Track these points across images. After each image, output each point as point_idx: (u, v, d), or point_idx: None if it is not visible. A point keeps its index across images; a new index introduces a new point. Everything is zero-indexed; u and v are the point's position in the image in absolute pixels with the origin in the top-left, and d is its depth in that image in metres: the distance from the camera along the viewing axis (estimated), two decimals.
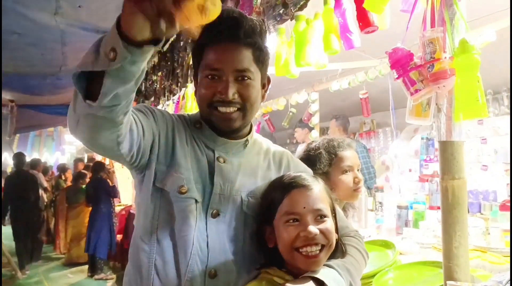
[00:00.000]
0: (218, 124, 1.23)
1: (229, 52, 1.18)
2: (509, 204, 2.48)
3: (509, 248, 2.00)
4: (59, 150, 15.97)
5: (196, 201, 1.18)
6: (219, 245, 1.19)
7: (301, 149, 2.24)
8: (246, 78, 1.19)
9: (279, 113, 5.12)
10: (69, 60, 4.02)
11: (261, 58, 1.23)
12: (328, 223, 1.14)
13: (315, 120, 4.49)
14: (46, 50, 3.71)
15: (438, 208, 2.93)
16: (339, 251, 1.22)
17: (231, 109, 1.19)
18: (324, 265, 1.14)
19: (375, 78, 3.65)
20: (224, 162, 1.24)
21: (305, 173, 1.26)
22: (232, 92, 1.17)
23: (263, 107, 5.42)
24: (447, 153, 1.44)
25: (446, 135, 1.44)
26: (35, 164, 8.33)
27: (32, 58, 3.87)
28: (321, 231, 1.12)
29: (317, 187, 1.18)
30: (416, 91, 1.45)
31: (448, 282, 1.34)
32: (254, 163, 1.31)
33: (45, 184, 8.06)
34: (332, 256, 1.19)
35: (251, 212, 1.23)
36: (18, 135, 12.76)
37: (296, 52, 2.30)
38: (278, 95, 4.95)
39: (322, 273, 1.09)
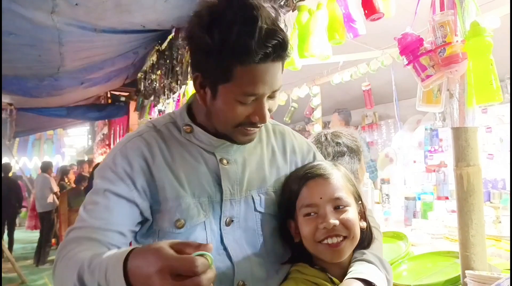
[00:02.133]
0: (238, 139, 1.12)
1: (271, 73, 1.01)
2: None
3: None
4: (59, 153, 15.97)
5: (205, 222, 1.09)
6: (241, 253, 1.11)
7: None
8: (275, 93, 1.06)
9: (280, 109, 5.07)
10: (66, 61, 3.97)
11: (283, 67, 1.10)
12: (350, 213, 1.08)
13: (317, 114, 4.46)
14: (43, 51, 3.66)
15: (446, 198, 2.91)
16: (367, 238, 1.17)
17: (258, 128, 1.11)
18: (362, 260, 1.09)
19: (377, 69, 3.62)
20: (228, 163, 1.14)
21: (324, 161, 1.20)
22: (267, 114, 1.06)
23: None
24: (461, 140, 1.40)
25: (459, 121, 1.40)
26: (47, 167, 8.30)
27: (29, 59, 3.82)
28: (341, 222, 1.06)
29: (336, 175, 1.11)
30: (427, 77, 1.41)
31: (466, 271, 1.31)
32: (258, 154, 1.21)
33: (56, 188, 8.01)
34: (360, 243, 1.14)
35: (265, 209, 1.16)
36: (18, 139, 12.78)
37: (299, 44, 2.25)
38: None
39: (366, 273, 1.04)
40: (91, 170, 7.16)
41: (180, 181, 1.08)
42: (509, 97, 3.85)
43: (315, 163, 1.18)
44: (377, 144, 5.16)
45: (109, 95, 7.33)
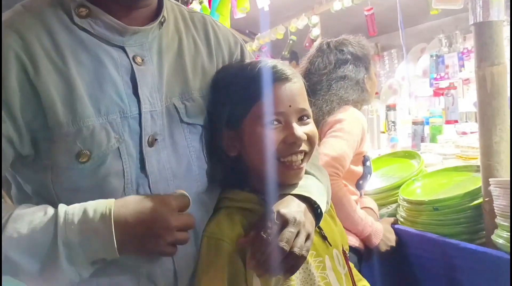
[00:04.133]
0: None
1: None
2: None
3: None
4: None
5: (119, 148, 0.80)
6: (166, 179, 0.86)
7: None
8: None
9: (278, 42, 4.86)
10: None
11: None
12: (312, 125, 0.94)
13: (316, 31, 4.26)
14: None
15: (456, 121, 2.79)
16: None
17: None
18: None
19: None
20: (143, 62, 0.84)
21: (278, 61, 0.97)
22: None
23: (260, 38, 5.16)
24: (485, 36, 1.25)
25: (483, 15, 1.24)
26: None
27: None
28: (307, 136, 0.91)
29: (299, 81, 0.94)
30: None
31: (491, 179, 1.20)
32: (175, 49, 0.92)
33: None
34: None
35: (193, 119, 0.91)
36: None
37: None
38: (276, 24, 4.67)
39: (306, 188, 0.91)
40: None
41: (76, 95, 0.77)
42: None
43: (272, 61, 0.93)
44: (380, 76, 4.97)
45: None
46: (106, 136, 0.79)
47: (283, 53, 4.87)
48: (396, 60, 4.92)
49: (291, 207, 0.85)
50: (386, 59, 5.06)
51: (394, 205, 1.63)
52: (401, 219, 1.52)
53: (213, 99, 0.95)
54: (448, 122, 2.79)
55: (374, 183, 1.75)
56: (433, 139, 2.54)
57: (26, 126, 0.76)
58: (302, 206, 0.87)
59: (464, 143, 2.05)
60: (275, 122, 0.88)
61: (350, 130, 1.61)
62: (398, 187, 1.60)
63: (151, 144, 0.84)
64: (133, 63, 0.83)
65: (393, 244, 1.50)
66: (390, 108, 2.94)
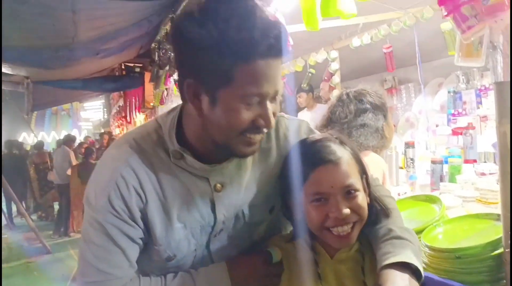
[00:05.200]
0: (240, 151, 1.02)
1: (273, 70, 0.93)
2: None
3: None
4: (76, 127, 16.11)
5: (196, 249, 1.12)
6: (225, 252, 1.16)
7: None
8: (277, 94, 0.99)
9: (297, 75, 4.98)
10: (80, 30, 3.91)
11: None
12: (359, 198, 1.04)
13: (336, 79, 4.35)
14: (57, 20, 3.60)
15: (474, 161, 2.82)
16: (381, 213, 1.13)
17: (262, 135, 1.03)
18: (394, 238, 1.04)
19: (399, 30, 3.48)
20: (222, 188, 1.08)
21: (329, 139, 1.09)
22: (273, 119, 0.99)
23: None
24: (504, 94, 1.32)
25: (504, 75, 1.32)
26: (69, 140, 8.40)
27: (43, 29, 3.76)
28: (352, 209, 1.02)
29: (345, 158, 1.04)
30: (469, 28, 1.31)
31: None
32: (256, 163, 1.16)
33: (74, 161, 8.09)
34: (376, 219, 1.11)
35: (255, 218, 1.16)
36: (35, 113, 12.88)
37: (322, 1, 2.14)
38: (295, 56, 4.79)
39: (407, 255, 1.00)
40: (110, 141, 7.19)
41: (170, 217, 1.05)
42: None
43: (323, 143, 1.07)
44: (397, 109, 5.04)
45: (123, 67, 7.28)
46: (187, 244, 1.08)
47: (302, 85, 4.98)
48: (413, 93, 4.99)
49: (400, 283, 0.94)
50: (403, 93, 5.14)
51: None
52: (424, 266, 1.56)
53: (284, 176, 1.12)
54: (466, 161, 2.83)
55: None
56: (452, 179, 2.58)
57: (144, 231, 1.05)
58: (406, 277, 0.96)
59: (484, 186, 2.10)
60: (322, 199, 1.02)
61: (370, 174, 1.68)
62: (420, 232, 1.64)
63: (218, 234, 1.11)
64: (214, 191, 1.07)
65: None
66: (409, 145, 2.99)
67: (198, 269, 1.10)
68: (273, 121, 0.98)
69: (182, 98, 0.99)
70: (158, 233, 1.04)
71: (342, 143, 1.07)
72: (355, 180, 1.04)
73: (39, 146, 9.90)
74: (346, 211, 1.00)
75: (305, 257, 1.07)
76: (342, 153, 1.04)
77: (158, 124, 1.09)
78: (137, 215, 1.02)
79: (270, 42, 0.88)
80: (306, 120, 1.26)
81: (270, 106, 0.96)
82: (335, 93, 4.30)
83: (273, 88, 0.94)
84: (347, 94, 1.89)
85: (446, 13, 1.35)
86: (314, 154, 1.04)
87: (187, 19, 0.90)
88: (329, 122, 1.85)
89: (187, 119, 1.05)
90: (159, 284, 1.06)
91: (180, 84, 0.97)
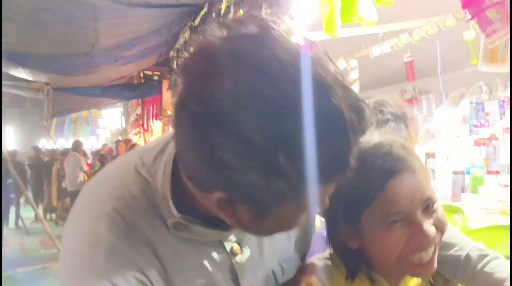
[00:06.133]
0: None
1: None
2: None
3: None
4: (94, 134, 16.33)
5: None
6: None
7: None
8: None
9: None
10: (100, 38, 3.96)
11: None
12: (440, 211, 0.81)
13: (355, 89, 4.31)
14: (78, 28, 3.66)
15: (497, 172, 2.75)
16: None
17: None
18: (494, 258, 0.89)
19: (420, 39, 3.43)
20: (241, 250, 0.81)
21: (394, 141, 0.82)
22: None
23: None
24: None
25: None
26: (77, 146, 8.53)
27: (64, 37, 3.83)
28: (436, 226, 0.79)
29: (417, 162, 0.80)
30: (494, 31, 1.27)
31: None
32: None
33: (85, 167, 8.21)
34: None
35: (287, 276, 0.88)
36: (55, 120, 13.10)
37: (343, 7, 2.12)
38: None
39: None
40: (128, 149, 7.26)
41: None
42: None
43: (388, 148, 0.79)
44: (417, 120, 4.96)
45: (141, 75, 7.36)
46: None
47: None
48: (434, 104, 4.91)
49: None
50: (423, 103, 5.07)
51: None
52: None
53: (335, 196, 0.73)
54: (489, 172, 2.75)
55: None
56: (474, 190, 2.51)
57: None
58: None
59: (507, 198, 2.03)
60: (398, 221, 0.77)
61: None
62: None
63: None
64: (231, 255, 0.79)
65: None
66: (430, 156, 2.93)
67: None
68: None
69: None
70: None
71: (406, 146, 0.82)
72: (431, 190, 0.81)
73: (65, 151, 10.03)
74: (433, 229, 0.77)
75: None
76: (412, 158, 0.80)
77: (144, 179, 0.74)
78: None
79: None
80: None
81: None
82: (358, 90, 4.26)
83: None
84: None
85: (470, 17, 1.32)
86: (382, 165, 0.77)
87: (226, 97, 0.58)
88: None
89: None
90: None
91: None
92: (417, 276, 0.86)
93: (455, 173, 2.63)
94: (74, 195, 7.98)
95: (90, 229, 0.71)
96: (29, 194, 7.46)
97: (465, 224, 1.67)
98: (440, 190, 2.76)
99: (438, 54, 3.38)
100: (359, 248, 0.82)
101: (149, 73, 7.11)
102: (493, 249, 1.48)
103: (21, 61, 4.51)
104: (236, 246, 0.80)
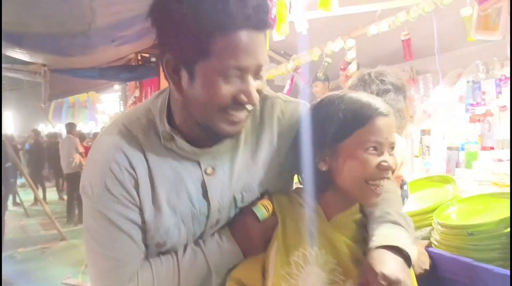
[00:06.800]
0: (223, 130, 0.98)
1: (254, 42, 0.90)
2: None
3: None
4: (93, 119, 16.29)
5: (187, 238, 1.08)
6: None
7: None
8: (261, 74, 0.96)
9: (313, 64, 4.94)
10: (97, 16, 3.92)
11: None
12: (394, 157, 1.06)
13: (352, 68, 4.31)
14: (74, 5, 3.63)
15: (492, 148, 2.77)
16: None
17: (246, 113, 0.98)
18: (388, 222, 1.02)
19: (418, 17, 3.42)
20: (214, 171, 1.05)
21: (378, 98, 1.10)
22: (255, 94, 0.94)
23: (295, 59, 5.24)
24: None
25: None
26: (71, 128, 8.52)
27: (60, 14, 3.79)
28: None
29: (393, 117, 1.07)
30: None
31: None
32: (248, 148, 1.11)
33: (81, 149, 8.21)
34: None
35: (245, 204, 1.11)
36: (53, 105, 13.05)
37: None
38: (311, 46, 4.76)
39: (397, 239, 0.97)
40: None
41: (159, 200, 1.01)
42: None
43: (377, 99, 1.07)
44: (414, 99, 4.97)
45: (139, 57, 7.32)
46: (178, 232, 1.04)
47: (318, 74, 4.95)
48: (431, 84, 4.91)
49: (392, 266, 0.91)
50: (421, 83, 5.06)
51: (428, 229, 1.64)
52: (435, 243, 1.54)
53: (318, 123, 1.06)
54: (484, 148, 2.77)
55: (409, 205, 1.78)
56: (468, 165, 2.53)
57: (140, 215, 1.02)
58: (400, 261, 0.93)
59: (501, 170, 2.06)
60: (372, 148, 1.01)
61: None
62: (433, 211, 1.62)
63: (214, 225, 1.08)
64: (205, 175, 1.04)
65: (427, 267, 1.52)
66: (425, 132, 2.96)
67: (204, 240, 1.07)
68: (256, 97, 0.94)
69: (165, 76, 0.97)
70: (147, 217, 1.01)
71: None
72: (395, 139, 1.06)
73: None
74: (394, 165, 1.01)
75: (301, 213, 1.07)
76: (392, 113, 1.07)
77: (148, 108, 1.07)
78: (135, 196, 1.00)
79: (247, 13, 0.86)
80: (306, 102, 1.20)
81: (252, 81, 0.93)
82: (355, 73, 4.26)
83: (254, 62, 0.91)
84: (369, 74, 1.87)
85: None
86: (375, 103, 1.04)
87: None
88: None
89: (173, 101, 1.03)
90: (171, 263, 1.03)
91: (161, 62, 0.96)
92: (369, 202, 1.04)
93: (449, 149, 2.65)
94: (69, 177, 8.01)
95: (107, 131, 1.07)
96: (28, 177, 7.46)
97: (456, 193, 1.70)
98: (435, 166, 2.79)
99: (435, 32, 3.36)
100: (327, 171, 1.05)
101: (147, 55, 7.06)
102: (482, 215, 1.52)
103: (18, 41, 4.49)
104: (210, 169, 1.04)
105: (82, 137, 10.01)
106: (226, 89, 0.91)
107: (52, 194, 10.84)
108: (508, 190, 1.61)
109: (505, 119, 3.17)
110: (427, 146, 2.91)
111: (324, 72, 4.82)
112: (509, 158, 2.35)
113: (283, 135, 1.14)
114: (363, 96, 1.06)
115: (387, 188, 1.09)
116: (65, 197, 9.07)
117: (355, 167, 1.01)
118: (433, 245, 1.57)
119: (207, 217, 1.06)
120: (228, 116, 0.95)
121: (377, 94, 1.79)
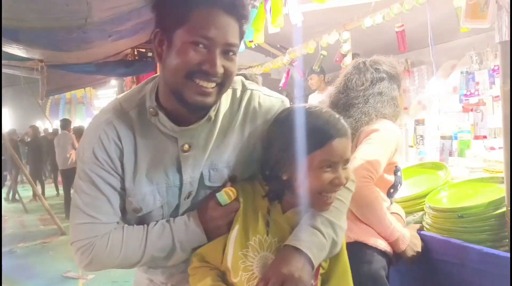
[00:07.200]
0: (191, 99, 1.07)
1: (225, 22, 1.05)
2: None
3: None
4: (90, 115, 16.26)
5: (162, 206, 1.20)
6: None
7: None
8: (232, 53, 1.08)
9: (309, 57, 4.97)
10: (93, 11, 3.94)
11: (242, 35, 1.13)
12: (349, 170, 1.17)
13: (348, 60, 4.33)
14: (70, 0, 3.64)
15: (484, 137, 2.82)
16: None
17: (212, 84, 1.07)
18: (311, 226, 1.12)
19: (411, 8, 3.45)
20: (189, 148, 1.17)
21: (340, 116, 1.17)
22: (220, 67, 1.05)
23: (291, 52, 5.27)
24: (510, 54, 1.33)
25: (509, 35, 1.32)
26: (66, 124, 8.51)
27: (57, 9, 3.80)
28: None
29: (349, 136, 1.15)
30: None
31: None
32: (221, 130, 1.22)
33: (77, 144, 8.22)
34: None
35: (212, 184, 1.22)
36: (50, 101, 13.03)
37: None
38: (307, 39, 4.78)
39: (306, 243, 1.07)
40: None
41: (138, 170, 1.15)
42: None
43: (337, 116, 1.15)
44: (409, 91, 5.00)
45: (135, 53, 7.32)
46: (153, 200, 1.17)
47: (313, 67, 4.98)
48: (426, 76, 4.94)
49: (293, 264, 1.04)
50: (415, 75, 5.10)
51: (420, 213, 1.69)
52: (427, 226, 1.59)
53: (279, 134, 1.16)
54: (476, 137, 2.82)
55: (402, 191, 1.82)
56: (461, 154, 2.58)
57: (121, 182, 1.16)
58: (301, 261, 1.05)
59: (492, 158, 2.10)
60: (326, 167, 1.10)
61: (385, 140, 1.70)
62: (425, 196, 1.66)
63: (187, 197, 1.21)
64: (180, 151, 1.16)
65: (419, 249, 1.56)
66: (419, 122, 2.99)
67: (174, 218, 1.21)
68: (219, 70, 1.05)
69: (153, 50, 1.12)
70: (127, 183, 1.15)
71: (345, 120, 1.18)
72: (350, 154, 1.16)
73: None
74: (345, 180, 1.12)
75: (261, 203, 1.17)
76: (348, 129, 1.15)
77: (142, 87, 1.22)
78: (118, 165, 1.14)
79: None
80: (287, 100, 1.30)
81: (218, 56, 1.05)
82: (350, 61, 4.29)
83: (221, 36, 1.04)
84: (364, 63, 1.91)
85: None
86: (334, 125, 1.12)
87: None
88: (344, 89, 1.87)
89: (161, 80, 1.16)
90: (141, 232, 1.17)
91: (153, 35, 1.10)
92: (320, 209, 1.14)
93: (443, 138, 2.69)
94: (65, 173, 8.01)
95: (105, 107, 1.22)
96: (27, 173, 7.47)
97: (448, 178, 1.74)
98: (429, 155, 2.83)
99: (428, 23, 3.39)
100: (287, 180, 1.14)
101: (143, 50, 7.07)
102: (472, 198, 1.56)
103: (14, 36, 4.49)
104: (186, 146, 1.16)
105: (80, 131, 9.99)
106: (193, 56, 1.03)
107: (50, 190, 10.86)
108: (498, 175, 1.66)
109: (498, 108, 3.21)
110: (421, 136, 2.95)
111: (320, 65, 4.85)
112: (501, 146, 2.40)
113: (255, 126, 1.24)
114: (324, 115, 1.14)
115: (338, 194, 1.19)
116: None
117: (311, 182, 1.11)
118: (425, 229, 1.62)
119: (180, 188, 1.18)
120: (195, 85, 1.05)
121: (372, 82, 1.83)
